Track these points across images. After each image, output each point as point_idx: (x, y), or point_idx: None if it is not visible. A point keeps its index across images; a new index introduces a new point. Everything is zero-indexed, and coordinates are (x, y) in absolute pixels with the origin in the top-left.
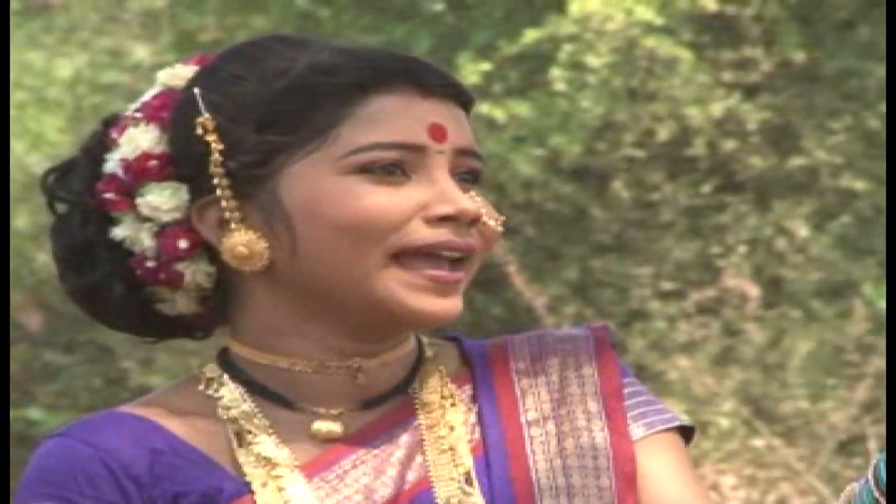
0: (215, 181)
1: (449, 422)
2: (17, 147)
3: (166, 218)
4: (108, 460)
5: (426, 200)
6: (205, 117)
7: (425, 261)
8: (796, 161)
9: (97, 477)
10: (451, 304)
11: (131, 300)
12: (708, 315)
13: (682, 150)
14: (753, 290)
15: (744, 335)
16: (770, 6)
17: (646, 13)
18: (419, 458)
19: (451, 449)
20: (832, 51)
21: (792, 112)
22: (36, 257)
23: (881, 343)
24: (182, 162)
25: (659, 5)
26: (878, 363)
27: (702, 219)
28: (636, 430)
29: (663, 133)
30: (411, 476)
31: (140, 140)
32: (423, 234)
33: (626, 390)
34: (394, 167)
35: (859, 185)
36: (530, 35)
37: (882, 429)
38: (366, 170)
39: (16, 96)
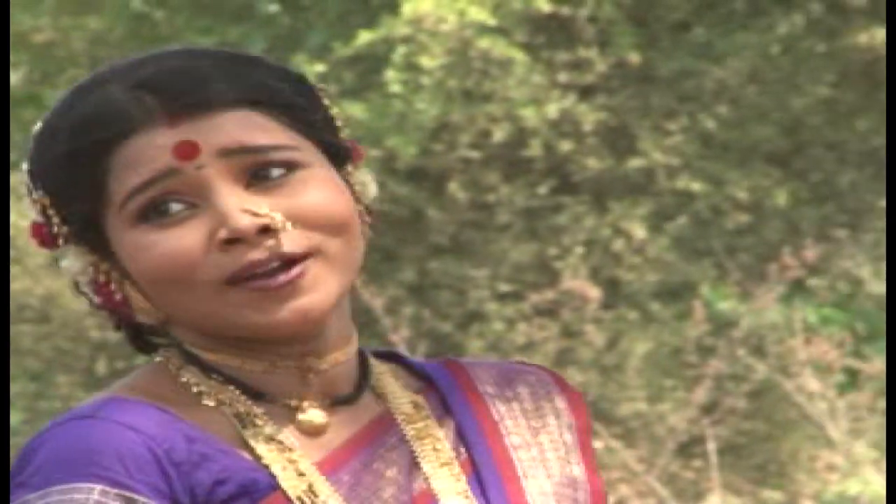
0: (74, 248)
1: (434, 434)
2: None
3: (82, 279)
4: (153, 445)
5: (210, 228)
6: (38, 195)
7: (252, 278)
8: (633, 162)
9: (144, 461)
10: (299, 304)
11: (126, 334)
12: (546, 317)
13: (518, 152)
14: (592, 292)
15: (582, 336)
16: (604, 7)
17: (479, 14)
18: (415, 470)
19: (448, 464)
20: (667, 52)
21: (628, 113)
22: None
23: (720, 344)
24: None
25: (492, 6)
26: (717, 364)
27: (539, 220)
28: None
29: (499, 134)
30: (415, 485)
31: (30, 210)
32: (223, 264)
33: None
34: (165, 204)
35: (696, 186)
36: (364, 36)
37: (721, 430)
38: (141, 217)
39: None
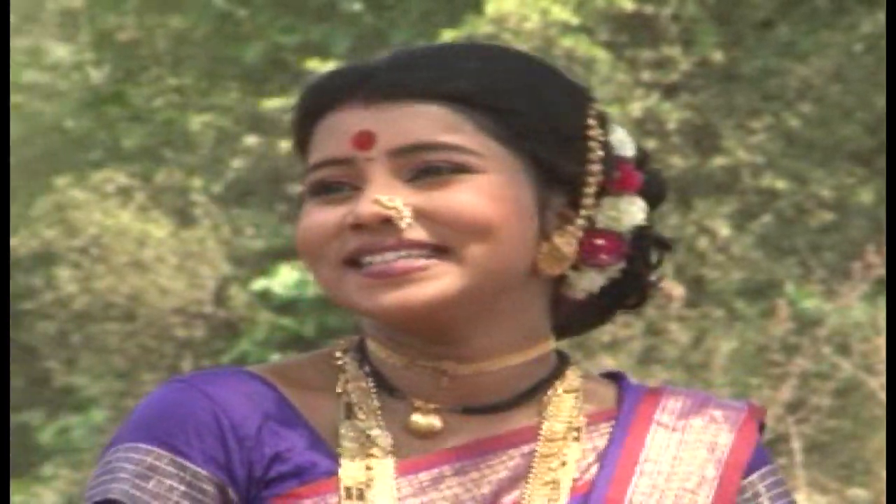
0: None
1: (564, 455)
2: None
3: None
4: (221, 415)
5: (349, 211)
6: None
7: (362, 267)
8: (717, 160)
9: (206, 429)
10: (409, 294)
11: None
12: (631, 315)
13: None
14: (677, 290)
15: (667, 335)
16: (688, 6)
17: (562, 13)
18: (520, 485)
19: (553, 482)
20: (751, 50)
21: (712, 111)
22: None
23: (804, 343)
24: None
25: (575, 5)
26: (802, 363)
27: None
28: None
29: None
30: (505, 500)
31: None
32: (344, 245)
33: (771, 479)
34: (337, 184)
35: (780, 184)
36: (448, 35)
37: (806, 428)
38: (315, 192)
39: None
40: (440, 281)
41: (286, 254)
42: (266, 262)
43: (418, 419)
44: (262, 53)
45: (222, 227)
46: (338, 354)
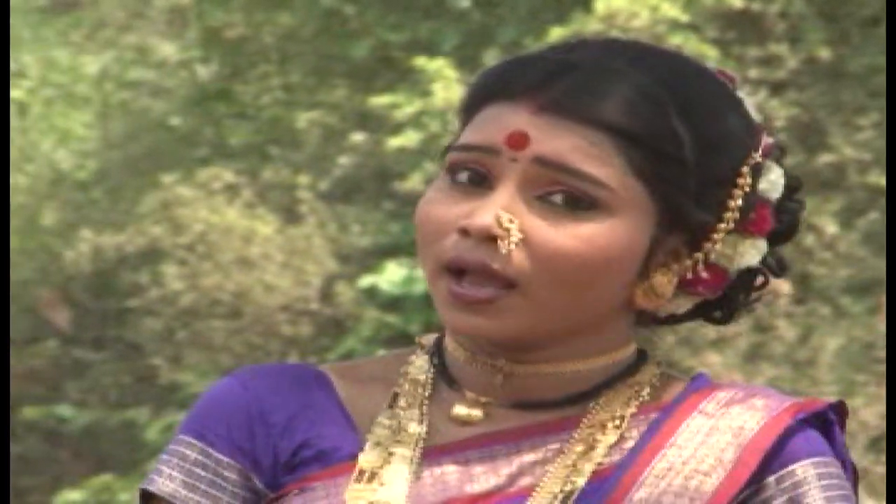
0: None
1: (596, 440)
2: (44, 143)
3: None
4: (252, 405)
5: (470, 212)
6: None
7: (454, 276)
8: (824, 157)
9: (235, 419)
10: (478, 323)
11: None
12: None
13: None
14: (784, 287)
15: (774, 331)
16: (795, 3)
17: (671, 10)
18: (544, 469)
19: (573, 466)
20: (858, 47)
21: (818, 108)
22: (64, 254)
23: None
24: None
25: (684, 2)
26: None
27: None
28: None
29: None
30: (523, 481)
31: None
32: (445, 248)
33: (819, 470)
34: (478, 176)
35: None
36: (556, 33)
37: None
38: (452, 171)
39: (43, 93)
40: (508, 317)
41: (393, 251)
42: (372, 259)
43: (460, 409)
44: (370, 51)
45: (328, 225)
46: (416, 350)
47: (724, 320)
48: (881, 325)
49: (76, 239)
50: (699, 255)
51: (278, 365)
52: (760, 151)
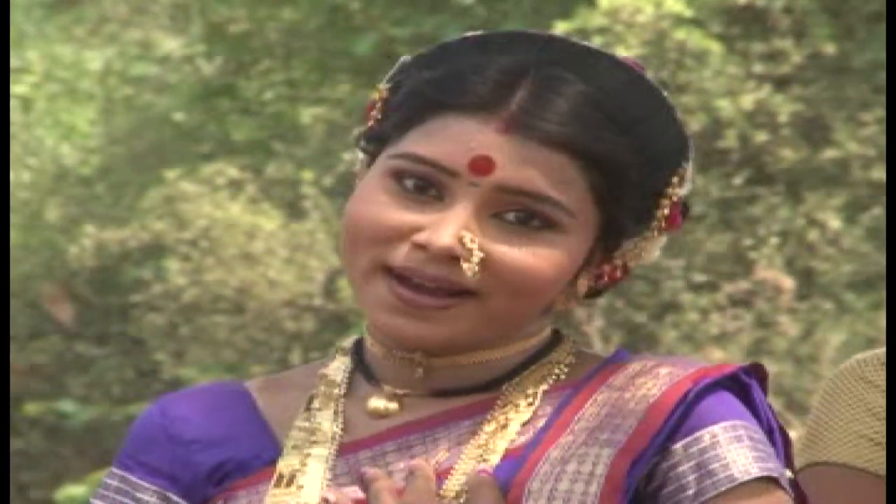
0: (361, 144)
1: (507, 420)
2: (48, 139)
3: (354, 168)
4: (171, 428)
5: (424, 225)
6: (384, 86)
7: (403, 281)
8: (828, 153)
9: (154, 443)
10: (426, 330)
11: None
12: (741, 307)
13: (714, 143)
14: (787, 283)
15: (777, 327)
16: None
17: (675, 5)
18: (459, 452)
19: (485, 446)
20: (862, 43)
21: (823, 104)
22: (67, 249)
23: None
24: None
25: None
26: None
27: (734, 211)
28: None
29: (694, 125)
30: (439, 465)
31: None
32: (399, 255)
33: (728, 434)
34: (426, 185)
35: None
36: (560, 28)
37: None
38: (397, 177)
39: (47, 88)
40: (459, 323)
41: None
42: None
43: (377, 402)
44: (374, 46)
45: (332, 220)
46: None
47: (594, 297)
48: (884, 320)
49: (79, 234)
50: (618, 261)
51: (199, 387)
52: (690, 160)
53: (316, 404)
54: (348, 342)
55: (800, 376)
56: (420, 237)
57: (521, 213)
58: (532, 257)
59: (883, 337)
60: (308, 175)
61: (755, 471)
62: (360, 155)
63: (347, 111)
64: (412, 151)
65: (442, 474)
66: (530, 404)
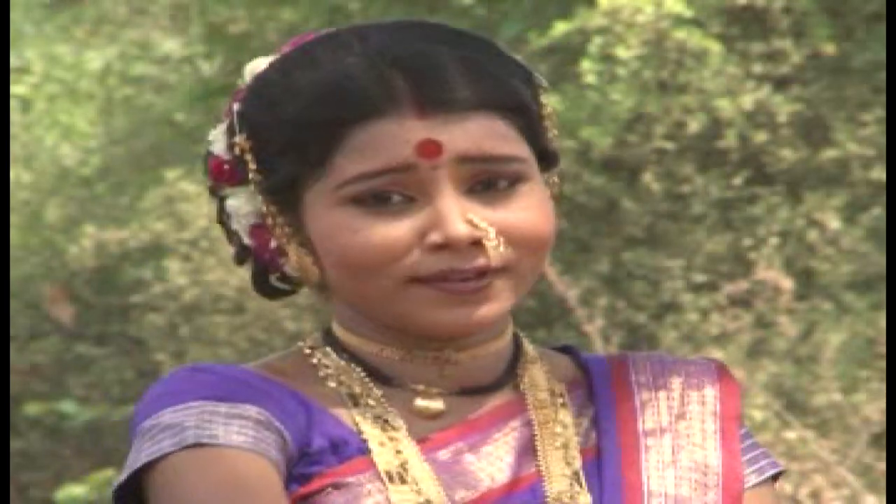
0: (258, 199)
1: (562, 420)
2: (47, 139)
3: (245, 222)
4: (252, 380)
5: (423, 226)
6: (240, 138)
7: (440, 282)
8: (827, 153)
9: (244, 385)
10: (476, 313)
11: (255, 271)
12: (740, 307)
13: (713, 143)
14: (786, 283)
15: (776, 327)
16: None
17: (675, 5)
18: (532, 452)
19: (565, 446)
20: (862, 43)
21: (822, 104)
22: (67, 249)
23: None
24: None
25: None
26: None
27: (733, 211)
28: (748, 473)
29: (694, 125)
30: (525, 467)
31: (216, 142)
32: (426, 264)
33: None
34: (387, 193)
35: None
36: (560, 27)
37: None
38: (358, 201)
39: (46, 88)
40: (503, 297)
41: None
42: None
43: (424, 403)
44: None
45: None
46: (308, 352)
47: None
48: (884, 321)
49: (79, 234)
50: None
51: (245, 367)
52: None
53: (371, 401)
54: (312, 341)
55: (799, 377)
56: (434, 238)
57: (486, 180)
58: (528, 211)
59: (883, 337)
60: None
61: (776, 468)
62: (244, 205)
63: None
64: (361, 172)
65: (529, 478)
66: (563, 405)
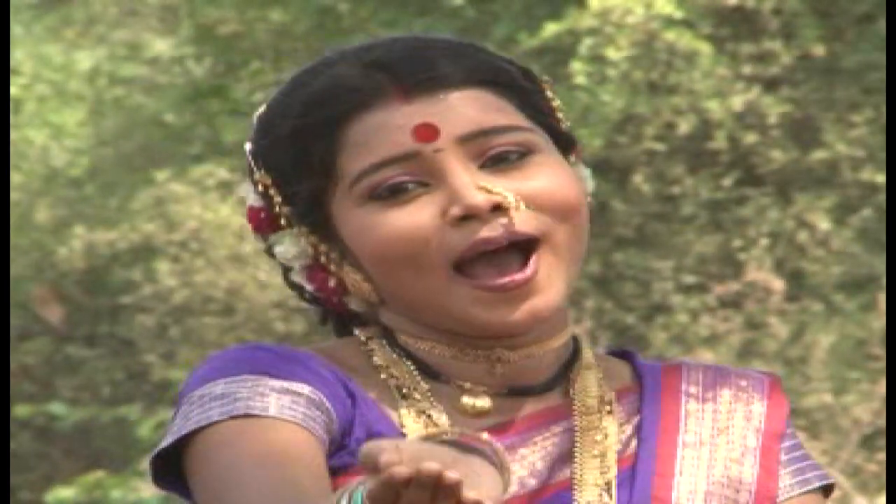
0: (294, 231)
1: (604, 428)
2: (37, 139)
3: (297, 264)
4: (305, 359)
5: (442, 206)
6: (259, 175)
7: (488, 265)
8: (817, 154)
9: (298, 364)
10: (527, 310)
11: (335, 324)
12: (730, 308)
13: (703, 144)
14: (777, 284)
15: (766, 328)
16: (789, 0)
17: (665, 7)
18: (569, 459)
19: (602, 455)
20: (852, 44)
21: (812, 105)
22: (56, 251)
23: None
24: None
25: None
26: None
27: (723, 212)
28: (792, 484)
29: (684, 126)
30: (559, 474)
31: (248, 195)
32: (454, 241)
33: (786, 443)
34: (401, 184)
35: (880, 177)
36: (550, 29)
37: None
38: (375, 196)
39: (36, 89)
40: (556, 281)
41: None
42: None
43: (470, 401)
44: None
45: None
46: (363, 340)
47: None
48: (874, 323)
49: (69, 236)
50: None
51: (286, 348)
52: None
53: (417, 395)
54: (371, 332)
55: (790, 378)
56: (454, 211)
57: (496, 155)
58: (546, 178)
59: (873, 338)
60: None
61: (824, 480)
62: (291, 249)
63: None
64: (365, 167)
65: (563, 483)
66: (609, 412)
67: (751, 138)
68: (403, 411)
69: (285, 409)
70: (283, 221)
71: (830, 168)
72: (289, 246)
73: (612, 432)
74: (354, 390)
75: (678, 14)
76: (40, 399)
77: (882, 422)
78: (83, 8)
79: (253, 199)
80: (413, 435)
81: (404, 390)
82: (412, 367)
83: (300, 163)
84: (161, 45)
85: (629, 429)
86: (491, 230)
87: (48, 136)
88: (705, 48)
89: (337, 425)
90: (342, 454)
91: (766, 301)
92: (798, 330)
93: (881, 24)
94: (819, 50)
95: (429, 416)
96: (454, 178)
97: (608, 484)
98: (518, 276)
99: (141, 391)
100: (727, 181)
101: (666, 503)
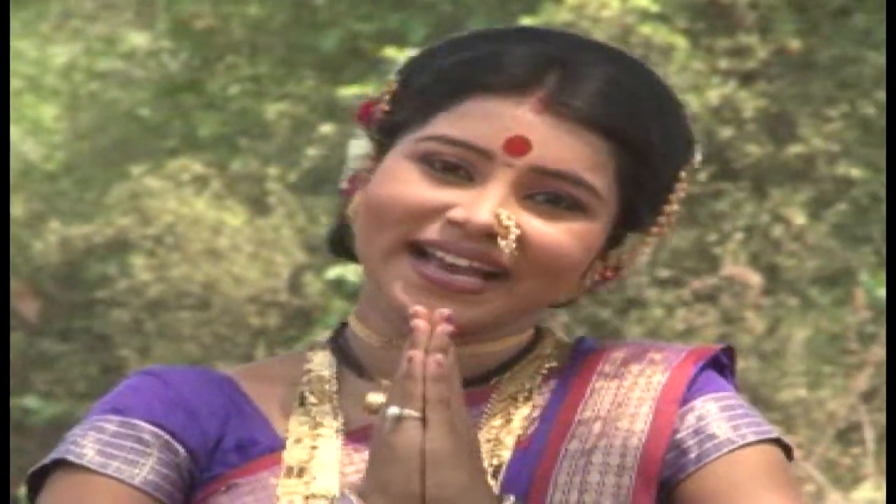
0: (367, 137)
1: (508, 413)
2: (13, 134)
3: (352, 166)
4: (173, 392)
5: (455, 202)
6: (391, 80)
7: (430, 260)
8: (793, 149)
9: (159, 401)
10: (441, 311)
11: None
12: (706, 303)
13: None
14: (752, 278)
15: (742, 323)
16: None
17: (641, 1)
18: None
19: (496, 440)
20: (828, 38)
21: (788, 100)
22: (32, 245)
23: (881, 331)
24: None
25: None
26: (879, 352)
27: (699, 206)
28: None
29: None
30: None
31: (382, 98)
32: (433, 231)
33: (720, 403)
34: (456, 166)
35: (856, 172)
36: (525, 23)
37: (880, 417)
38: (427, 160)
39: (11, 84)
40: (489, 306)
41: None
42: None
43: (374, 398)
44: (339, 41)
45: (297, 216)
46: (308, 351)
47: (566, 305)
48: (850, 317)
49: (44, 230)
50: (612, 260)
51: (181, 367)
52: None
53: (312, 399)
54: (323, 336)
55: (765, 372)
56: (456, 213)
57: (551, 195)
58: (564, 236)
59: (848, 333)
60: (273, 171)
61: (751, 437)
62: (358, 149)
63: (312, 107)
64: (444, 134)
65: None
66: (527, 398)
67: (726, 132)
68: (294, 417)
69: (100, 457)
70: (374, 124)
71: (806, 162)
72: (361, 146)
73: (519, 418)
74: (246, 403)
75: (654, 8)
76: (15, 393)
77: (856, 416)
78: (58, 2)
79: (378, 93)
80: (291, 438)
81: (306, 396)
82: (334, 367)
83: (411, 100)
84: (137, 40)
85: (538, 412)
86: (471, 245)
87: (24, 131)
88: (681, 42)
89: (197, 449)
90: (211, 466)
91: (742, 295)
92: (773, 324)
93: (857, 19)
94: (795, 44)
95: (317, 422)
96: (488, 191)
97: (497, 468)
98: (457, 280)
99: (116, 386)
100: (702, 175)
101: (545, 479)
